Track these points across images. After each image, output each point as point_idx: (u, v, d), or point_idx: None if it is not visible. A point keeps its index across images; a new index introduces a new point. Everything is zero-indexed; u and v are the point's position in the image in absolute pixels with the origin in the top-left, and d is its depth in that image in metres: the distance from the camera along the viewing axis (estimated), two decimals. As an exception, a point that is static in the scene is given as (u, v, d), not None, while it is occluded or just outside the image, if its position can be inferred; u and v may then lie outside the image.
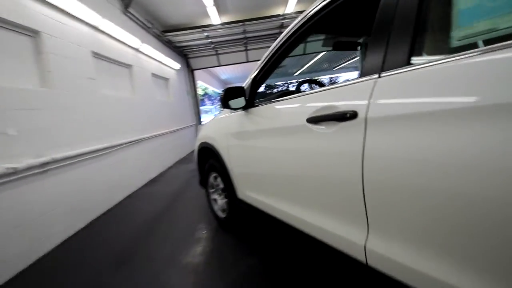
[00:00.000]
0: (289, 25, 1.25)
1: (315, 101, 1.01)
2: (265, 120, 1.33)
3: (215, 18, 5.35)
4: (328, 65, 14.57)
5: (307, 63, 12.98)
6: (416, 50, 0.72)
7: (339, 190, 0.91)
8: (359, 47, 1.87)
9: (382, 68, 0.78)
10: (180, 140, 5.91)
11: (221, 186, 1.94)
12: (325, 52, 9.12)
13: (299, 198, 1.14)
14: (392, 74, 0.74)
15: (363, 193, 0.81)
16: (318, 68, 14.61)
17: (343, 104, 0.87)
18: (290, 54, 1.36)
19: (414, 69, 0.69)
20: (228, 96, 1.41)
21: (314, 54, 10.13)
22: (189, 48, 6.77)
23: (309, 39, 6.87)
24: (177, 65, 6.20)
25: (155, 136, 4.47)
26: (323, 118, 0.94)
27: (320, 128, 0.95)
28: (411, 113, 0.67)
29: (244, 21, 5.44)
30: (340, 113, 0.86)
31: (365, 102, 0.79)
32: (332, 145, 0.90)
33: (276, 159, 1.23)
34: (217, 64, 7.32)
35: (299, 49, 7.11)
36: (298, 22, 1.16)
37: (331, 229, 0.98)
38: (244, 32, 6.09)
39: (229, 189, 1.78)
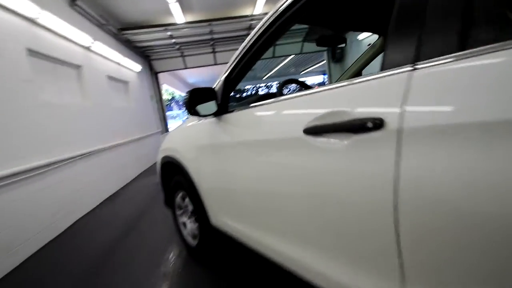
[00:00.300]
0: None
1: (314, 106, 0.75)
2: (243, 130, 1.05)
3: (178, 16, 4.97)
4: (296, 69, 14.74)
5: (276, 67, 12.97)
6: (478, 26, 0.49)
7: (357, 226, 0.66)
8: (344, 44, 1.68)
9: (417, 56, 0.54)
10: (143, 149, 5.38)
11: (191, 208, 1.61)
12: (293, 55, 9.11)
13: (297, 234, 0.87)
14: (438, 65, 0.51)
15: (397, 232, 0.57)
16: (286, 72, 14.71)
17: (359, 110, 0.62)
18: (266, 53, 1.11)
19: (477, 55, 0.46)
20: (194, 99, 1.10)
21: (282, 58, 10.10)
22: (151, 49, 6.27)
23: (279, 42, 6.75)
24: (138, 67, 5.68)
25: (113, 146, 3.95)
26: (328, 129, 0.68)
27: (324, 141, 0.69)
28: (478, 121, 0.44)
29: (210, 21, 5.13)
30: (357, 122, 0.61)
31: (396, 105, 0.55)
32: (345, 165, 0.65)
33: (261, 180, 0.95)
34: (183, 67, 6.89)
35: (268, 52, 6.95)
36: (282, 6, 0.90)
37: (346, 280, 0.72)
38: (211, 32, 5.78)
39: (200, 213, 1.46)
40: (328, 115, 0.68)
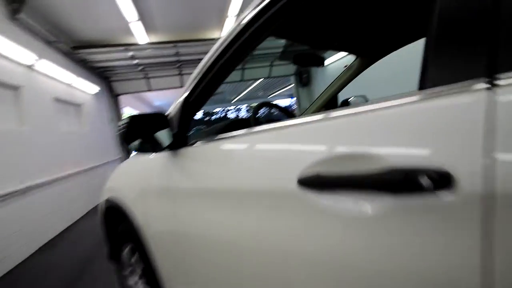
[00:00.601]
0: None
1: (314, 141, 0.50)
2: (207, 173, 0.76)
3: (141, 36, 4.69)
4: (264, 93, 14.94)
5: (245, 90, 13.01)
6: None
7: None
8: (322, 65, 1.52)
9: (496, 66, 0.32)
10: (98, 179, 4.75)
11: (141, 267, 1.23)
12: (262, 79, 9.15)
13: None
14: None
15: None
16: (255, 95, 14.84)
17: (400, 154, 0.37)
18: (235, 76, 0.87)
19: None
20: (136, 130, 0.80)
21: (251, 81, 10.13)
22: (111, 70, 5.83)
23: (248, 66, 6.72)
24: (94, 88, 5.18)
25: (59, 178, 3.37)
26: (341, 182, 0.43)
27: (335, 202, 0.43)
28: None
29: (176, 42, 4.91)
30: (398, 176, 0.36)
31: (472, 149, 0.31)
32: (376, 244, 0.39)
33: (234, 247, 0.65)
34: (147, 89, 6.49)
35: (237, 75, 6.87)
36: (254, 10, 0.68)
37: None
38: (177, 54, 5.54)
39: (152, 278, 1.10)
40: (340, 160, 0.43)
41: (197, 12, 4.40)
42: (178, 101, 0.91)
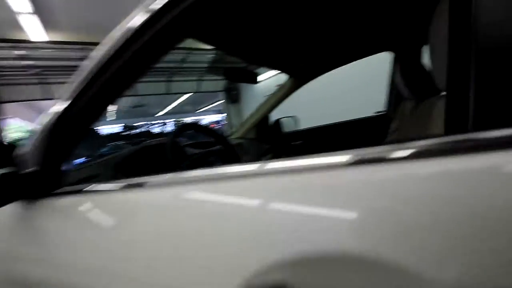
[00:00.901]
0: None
1: (283, 211, 0.27)
2: (80, 249, 0.46)
3: (37, 33, 3.83)
4: (193, 107, 14.39)
5: (171, 104, 12.24)
6: None
7: None
8: (255, 82, 1.37)
9: None
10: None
11: None
12: (192, 93, 8.73)
13: None
14: None
15: None
16: (183, 109, 14.14)
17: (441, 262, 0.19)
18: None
19: None
20: None
21: (179, 94, 9.58)
22: (-9, 70, 4.57)
23: (176, 79, 6.28)
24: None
25: None
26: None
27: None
28: None
29: (85, 44, 4.21)
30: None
31: None
32: None
33: None
34: (44, 97, 5.31)
35: (161, 87, 6.33)
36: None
37: None
38: (86, 58, 4.75)
39: None
40: (327, 262, 0.22)
41: (114, 11, 3.85)
42: (46, 120, 0.58)
